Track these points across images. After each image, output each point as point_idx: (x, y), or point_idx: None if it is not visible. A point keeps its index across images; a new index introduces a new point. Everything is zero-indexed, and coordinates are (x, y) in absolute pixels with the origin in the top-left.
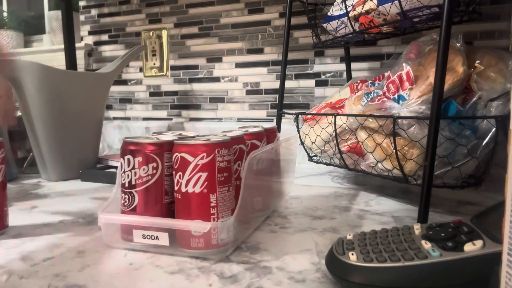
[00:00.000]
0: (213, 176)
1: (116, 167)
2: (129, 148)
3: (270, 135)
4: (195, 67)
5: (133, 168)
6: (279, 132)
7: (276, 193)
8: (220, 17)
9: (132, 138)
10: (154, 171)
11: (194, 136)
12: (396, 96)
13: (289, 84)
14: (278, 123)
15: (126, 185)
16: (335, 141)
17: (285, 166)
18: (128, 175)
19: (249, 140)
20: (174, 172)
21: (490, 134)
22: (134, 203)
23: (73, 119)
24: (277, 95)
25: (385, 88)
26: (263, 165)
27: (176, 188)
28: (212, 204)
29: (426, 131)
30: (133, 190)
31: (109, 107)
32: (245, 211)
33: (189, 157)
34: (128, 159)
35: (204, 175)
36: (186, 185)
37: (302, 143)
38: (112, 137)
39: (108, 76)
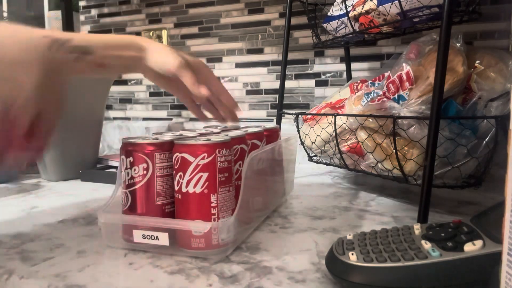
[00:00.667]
0: (214, 176)
1: (116, 167)
2: (123, 149)
3: (272, 135)
4: None
5: (126, 168)
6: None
7: (276, 193)
8: (220, 17)
9: (129, 138)
10: (145, 172)
11: (194, 136)
12: (396, 96)
13: (289, 84)
14: (278, 123)
15: (122, 184)
16: (335, 141)
17: (285, 166)
18: (123, 175)
19: (249, 140)
20: (174, 172)
21: (490, 134)
22: (128, 203)
23: (73, 119)
24: (277, 95)
25: (385, 88)
26: (263, 165)
27: (176, 188)
28: (212, 204)
29: (426, 131)
30: (127, 190)
31: (109, 107)
32: (245, 211)
33: (189, 157)
34: (123, 159)
35: (205, 175)
36: (187, 185)
37: (302, 143)
38: (112, 137)
39: None
